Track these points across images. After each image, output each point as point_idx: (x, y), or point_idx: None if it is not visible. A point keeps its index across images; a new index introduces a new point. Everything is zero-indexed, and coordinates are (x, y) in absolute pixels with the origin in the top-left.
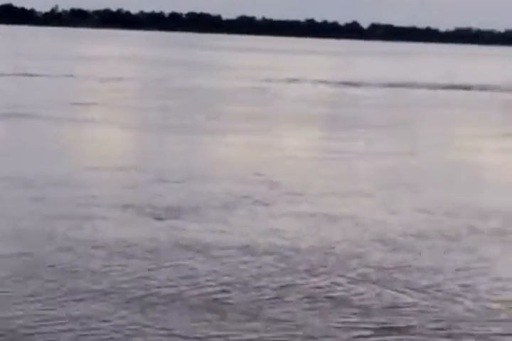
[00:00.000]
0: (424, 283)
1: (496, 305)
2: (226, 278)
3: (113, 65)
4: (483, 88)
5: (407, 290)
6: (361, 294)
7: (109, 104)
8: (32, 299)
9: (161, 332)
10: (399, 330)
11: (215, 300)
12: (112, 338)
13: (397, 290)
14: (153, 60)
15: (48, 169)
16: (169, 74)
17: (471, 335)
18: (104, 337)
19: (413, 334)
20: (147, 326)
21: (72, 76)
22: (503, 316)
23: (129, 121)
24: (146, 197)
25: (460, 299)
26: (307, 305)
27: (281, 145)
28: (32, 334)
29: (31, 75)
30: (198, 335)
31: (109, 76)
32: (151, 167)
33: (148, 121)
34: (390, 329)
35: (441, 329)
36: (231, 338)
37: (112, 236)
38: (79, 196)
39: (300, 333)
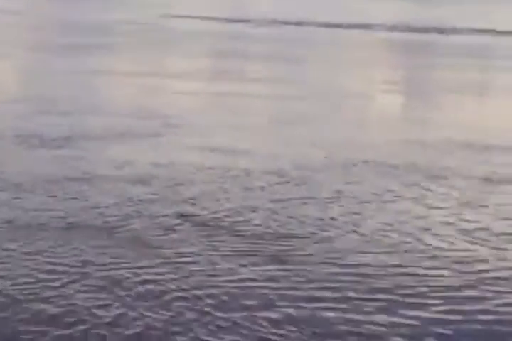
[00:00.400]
0: (318, 214)
1: (385, 236)
2: (123, 208)
3: None
4: (378, 28)
5: (302, 220)
6: (254, 224)
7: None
8: None
9: (67, 255)
10: (291, 260)
11: (114, 229)
12: (8, 263)
13: (291, 221)
14: None
15: None
16: (50, 9)
17: (363, 265)
18: (5, 265)
19: (305, 264)
20: (52, 252)
21: None
22: (391, 248)
23: (18, 54)
24: (34, 128)
25: (352, 230)
26: (200, 238)
27: (173, 81)
28: None
29: None
30: (98, 261)
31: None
32: (39, 99)
33: (38, 57)
34: (281, 259)
35: (334, 258)
36: (129, 264)
37: (3, 169)
38: None
39: (191, 266)
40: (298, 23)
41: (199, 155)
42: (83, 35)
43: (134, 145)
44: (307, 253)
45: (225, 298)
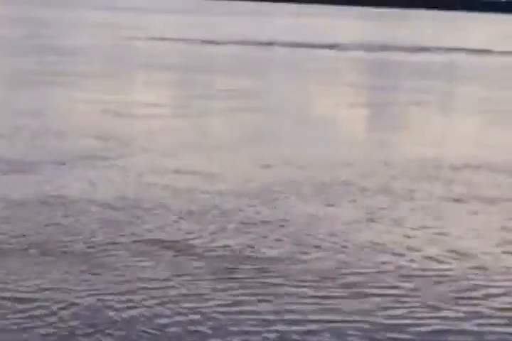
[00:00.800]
0: (292, 236)
1: (362, 257)
2: (96, 234)
3: None
4: (332, 46)
5: (276, 243)
6: (229, 249)
7: None
8: None
9: (43, 283)
10: (267, 283)
11: (88, 256)
12: None
13: (266, 244)
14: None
15: None
16: (25, 32)
17: (341, 287)
18: None
19: (282, 286)
20: (27, 280)
21: None
22: (369, 269)
23: None
24: (0, 153)
25: (328, 252)
26: (175, 263)
27: (136, 101)
28: None
29: None
30: (76, 288)
31: None
32: (2, 123)
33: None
34: (257, 282)
35: (311, 280)
36: (107, 291)
37: None
38: None
39: (168, 292)
40: (267, 44)
41: (169, 179)
42: (45, 57)
43: (101, 168)
44: (283, 275)
45: (203, 321)
